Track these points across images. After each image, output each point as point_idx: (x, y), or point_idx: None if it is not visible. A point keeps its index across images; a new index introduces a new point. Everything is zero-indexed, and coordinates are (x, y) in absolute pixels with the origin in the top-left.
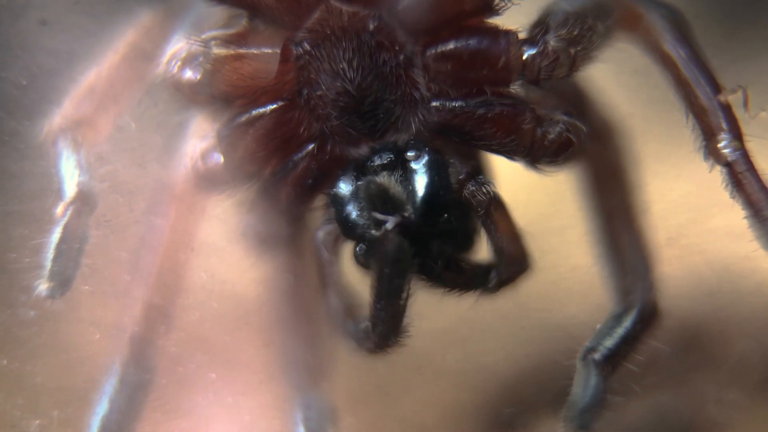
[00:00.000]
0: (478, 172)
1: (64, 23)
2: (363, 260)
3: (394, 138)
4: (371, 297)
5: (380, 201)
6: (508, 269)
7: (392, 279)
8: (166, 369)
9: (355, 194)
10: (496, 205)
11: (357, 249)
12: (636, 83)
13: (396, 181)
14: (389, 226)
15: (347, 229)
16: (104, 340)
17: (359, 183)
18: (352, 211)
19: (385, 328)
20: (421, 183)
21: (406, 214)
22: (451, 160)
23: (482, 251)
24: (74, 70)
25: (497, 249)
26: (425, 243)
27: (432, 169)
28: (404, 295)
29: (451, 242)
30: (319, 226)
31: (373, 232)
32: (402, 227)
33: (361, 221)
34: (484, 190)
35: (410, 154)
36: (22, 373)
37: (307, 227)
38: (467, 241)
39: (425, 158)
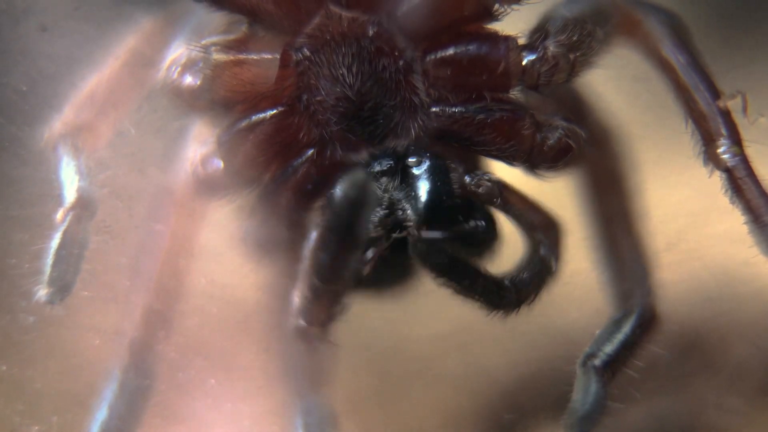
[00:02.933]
0: (475, 169)
1: (65, 29)
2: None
3: (393, 143)
4: (314, 250)
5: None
6: (549, 238)
7: (348, 224)
8: (165, 374)
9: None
10: (505, 188)
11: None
12: (635, 89)
13: (395, 186)
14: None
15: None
16: (104, 345)
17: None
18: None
19: (327, 290)
20: (424, 188)
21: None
22: (452, 164)
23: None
24: (74, 75)
25: (529, 226)
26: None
27: (434, 173)
28: (357, 249)
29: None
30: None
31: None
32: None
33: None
34: (486, 180)
35: (411, 159)
36: (22, 379)
37: (306, 232)
38: (490, 244)
39: (427, 163)
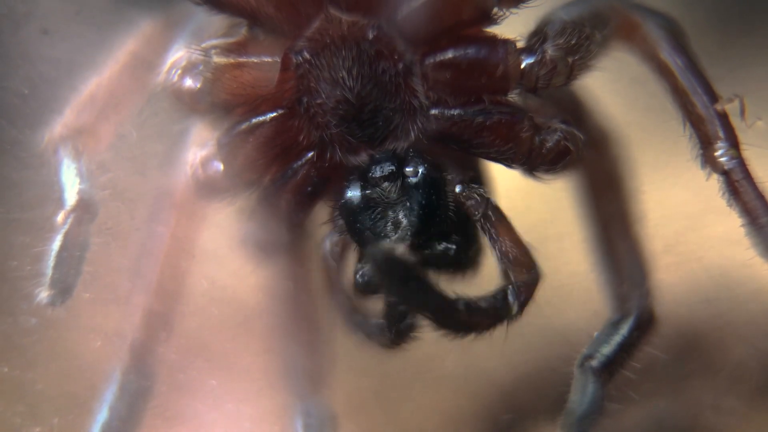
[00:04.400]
0: (474, 181)
1: (66, 33)
2: (364, 287)
3: (393, 146)
4: (389, 301)
5: (383, 217)
6: (520, 279)
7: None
8: (166, 376)
9: (366, 204)
10: (494, 212)
11: (358, 277)
12: (633, 92)
13: (394, 197)
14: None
15: (362, 239)
16: (105, 347)
17: (367, 191)
18: (364, 222)
19: (398, 330)
20: (416, 200)
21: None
22: (449, 176)
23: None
24: (75, 79)
25: (503, 256)
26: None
27: (428, 186)
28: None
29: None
30: (326, 236)
31: (380, 245)
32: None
33: (374, 230)
34: (480, 199)
35: (408, 169)
36: (23, 381)
37: (306, 234)
38: (471, 256)
39: (421, 175)
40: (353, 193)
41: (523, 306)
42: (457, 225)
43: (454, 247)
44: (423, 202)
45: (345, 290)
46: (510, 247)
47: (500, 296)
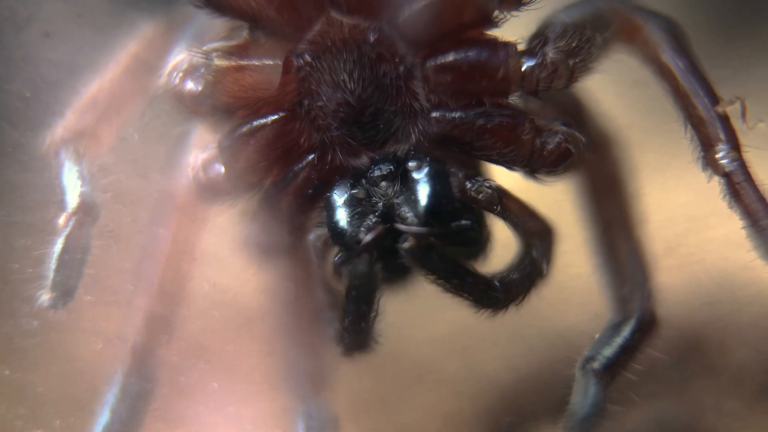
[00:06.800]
0: (475, 175)
1: (67, 35)
2: (339, 270)
3: (394, 148)
4: (342, 308)
5: (374, 211)
6: (543, 243)
7: (359, 297)
8: (167, 378)
9: (349, 202)
10: (504, 196)
11: (335, 258)
12: (634, 94)
13: (395, 191)
14: (368, 238)
15: (336, 235)
16: (106, 349)
17: (354, 191)
18: (344, 219)
19: (353, 337)
20: (423, 192)
21: (381, 228)
22: (452, 169)
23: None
24: (77, 81)
25: (525, 232)
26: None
27: (434, 178)
28: (372, 312)
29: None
30: (312, 229)
31: (355, 243)
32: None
33: (350, 229)
34: (487, 187)
35: (411, 164)
36: (24, 383)
37: (308, 237)
38: (480, 245)
39: (426, 168)
40: (345, 188)
41: (549, 262)
42: (465, 211)
43: (466, 229)
44: (430, 191)
45: (324, 285)
46: (530, 223)
47: (528, 261)
